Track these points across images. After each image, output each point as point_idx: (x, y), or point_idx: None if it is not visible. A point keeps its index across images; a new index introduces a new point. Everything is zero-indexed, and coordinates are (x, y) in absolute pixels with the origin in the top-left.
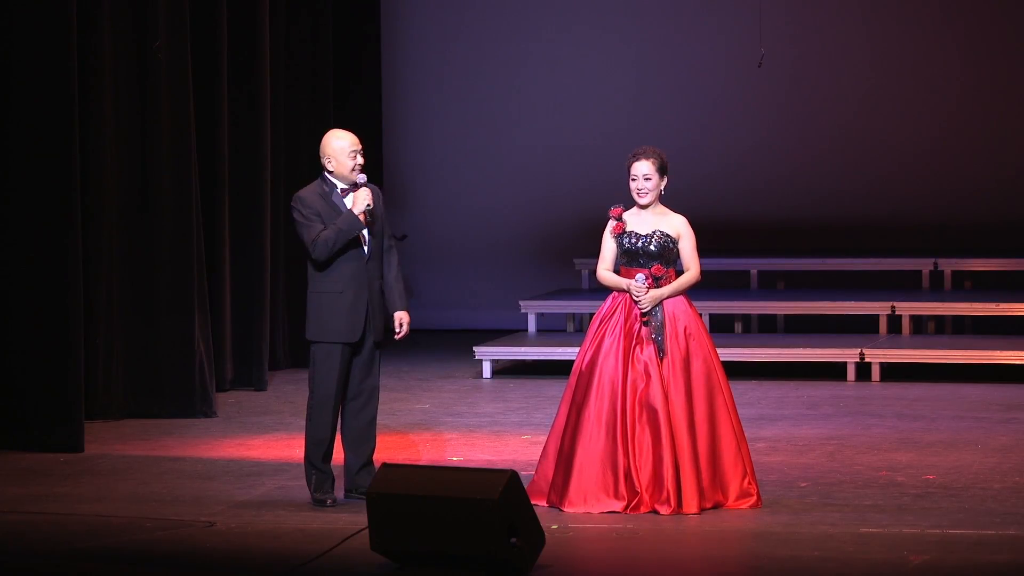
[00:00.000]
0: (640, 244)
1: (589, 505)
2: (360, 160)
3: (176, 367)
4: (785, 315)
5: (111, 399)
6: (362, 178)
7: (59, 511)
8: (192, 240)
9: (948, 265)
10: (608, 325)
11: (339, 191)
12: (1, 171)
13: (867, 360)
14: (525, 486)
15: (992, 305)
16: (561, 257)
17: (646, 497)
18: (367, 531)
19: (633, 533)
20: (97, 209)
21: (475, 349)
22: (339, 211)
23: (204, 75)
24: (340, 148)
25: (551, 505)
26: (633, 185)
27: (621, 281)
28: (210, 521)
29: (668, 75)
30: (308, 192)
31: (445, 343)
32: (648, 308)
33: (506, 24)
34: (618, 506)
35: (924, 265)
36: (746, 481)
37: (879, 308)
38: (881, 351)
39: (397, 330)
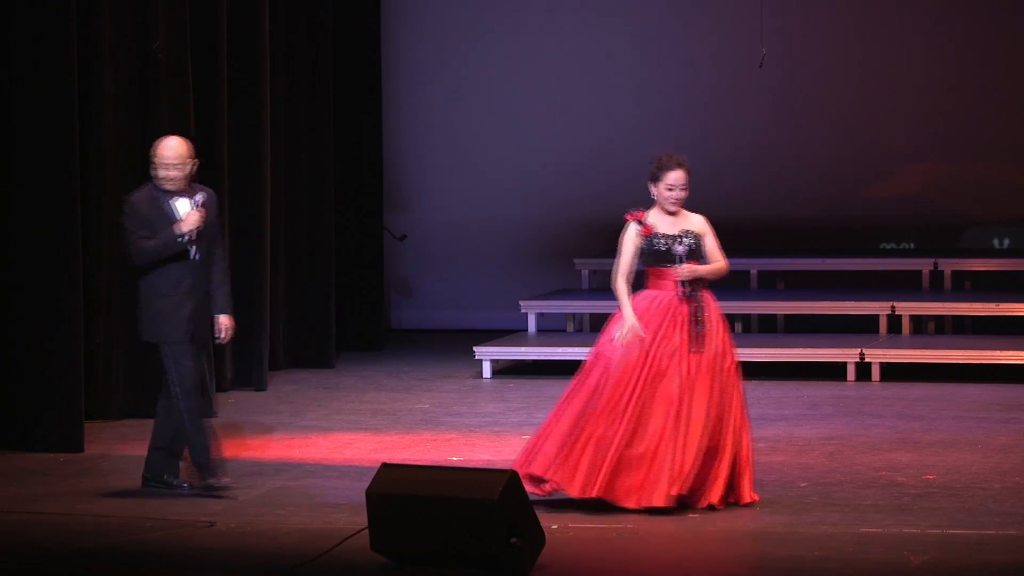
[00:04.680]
0: (671, 245)
1: (608, 492)
2: (177, 172)
3: None
4: (785, 315)
5: (111, 399)
6: (200, 198)
7: (59, 511)
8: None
9: (948, 265)
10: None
11: (169, 197)
12: (3, 172)
13: (867, 360)
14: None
15: (992, 305)
16: (561, 257)
17: (668, 488)
18: (367, 531)
19: (633, 533)
20: (97, 209)
21: (475, 349)
22: (168, 217)
23: (204, 75)
24: (167, 158)
25: (552, 487)
26: (669, 194)
27: (625, 307)
28: (210, 521)
29: (669, 75)
30: (140, 197)
31: (445, 343)
32: (686, 278)
33: (506, 24)
34: (658, 499)
35: (924, 265)
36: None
37: (879, 308)
38: (881, 351)
39: (218, 334)
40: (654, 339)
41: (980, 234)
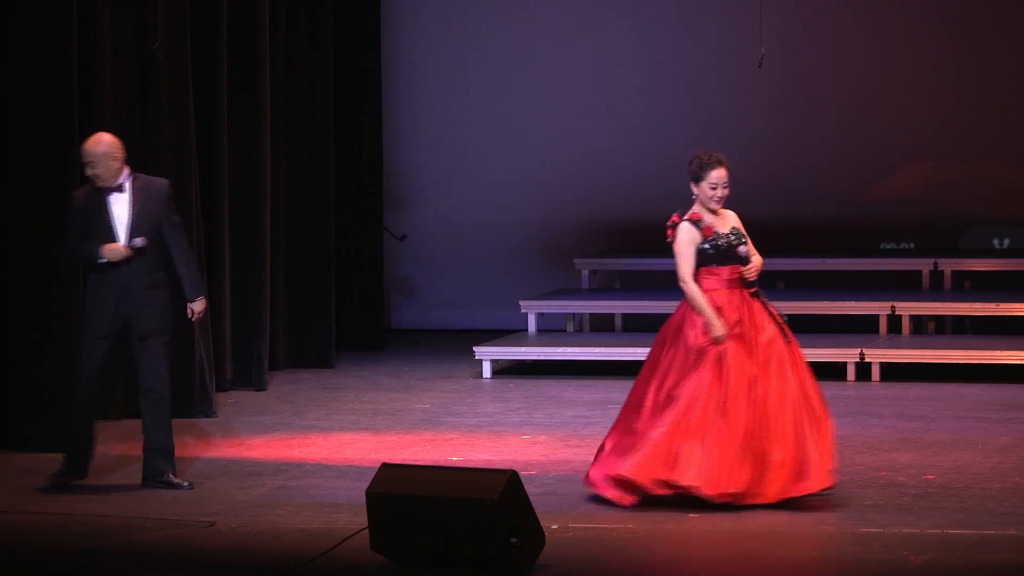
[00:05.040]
0: (735, 244)
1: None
2: (101, 170)
3: (176, 367)
4: (785, 315)
5: (111, 399)
6: (138, 241)
7: (59, 511)
8: (192, 240)
9: (948, 265)
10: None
11: (105, 195)
12: (3, 172)
13: (867, 360)
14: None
15: (992, 305)
16: (561, 257)
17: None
18: (367, 531)
19: (633, 533)
20: None
21: (475, 349)
22: (100, 214)
23: (204, 75)
24: (89, 155)
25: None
26: (713, 192)
27: (707, 311)
28: (210, 521)
29: (668, 75)
30: (79, 195)
31: (445, 343)
32: (755, 278)
33: (506, 24)
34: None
35: (924, 265)
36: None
37: (879, 308)
38: (881, 351)
39: (189, 316)
40: (750, 332)
41: (980, 234)
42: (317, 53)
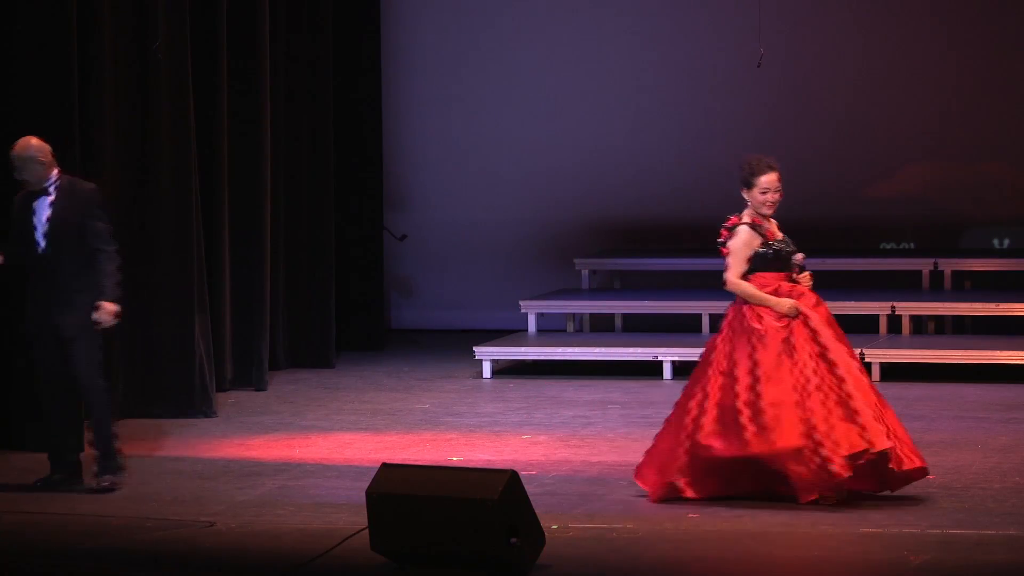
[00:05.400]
0: (793, 251)
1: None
2: (26, 174)
3: (176, 367)
4: None
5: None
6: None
7: (59, 511)
8: (192, 240)
9: (948, 265)
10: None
11: (35, 198)
12: (4, 172)
13: (867, 360)
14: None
15: (992, 305)
16: (561, 257)
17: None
18: (367, 531)
19: (633, 533)
20: None
21: (475, 349)
22: (26, 217)
23: (204, 75)
24: (14, 159)
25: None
26: (764, 197)
27: (767, 298)
28: (210, 521)
29: (668, 75)
30: (18, 197)
31: (445, 343)
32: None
33: (506, 24)
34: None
35: (924, 265)
36: None
37: (879, 308)
38: (881, 351)
39: (96, 316)
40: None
41: (980, 234)
42: (317, 52)
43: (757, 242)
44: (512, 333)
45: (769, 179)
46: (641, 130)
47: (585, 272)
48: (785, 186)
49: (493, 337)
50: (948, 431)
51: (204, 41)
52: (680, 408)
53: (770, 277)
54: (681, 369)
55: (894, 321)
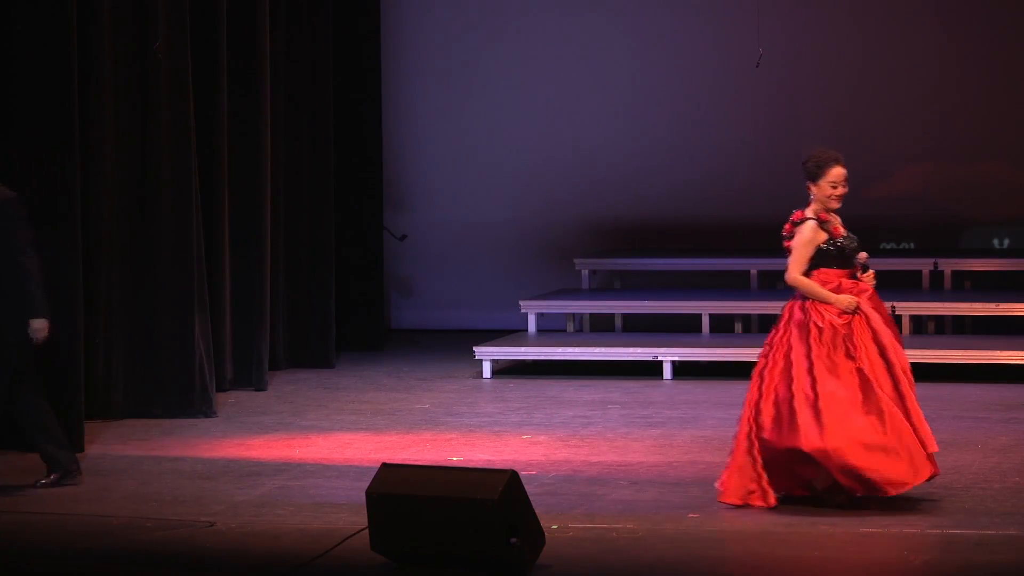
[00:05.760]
0: (852, 246)
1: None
2: None
3: (176, 367)
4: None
5: (111, 399)
6: None
7: (59, 511)
8: (192, 240)
9: (948, 265)
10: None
11: None
12: (4, 172)
13: None
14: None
15: (992, 305)
16: (561, 257)
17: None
18: (367, 531)
19: (633, 533)
20: (97, 210)
21: (475, 349)
22: None
23: (204, 75)
24: None
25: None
26: (832, 191)
27: (827, 294)
28: (210, 521)
29: (668, 75)
30: None
31: (445, 343)
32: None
33: (506, 24)
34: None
35: (924, 265)
36: None
37: None
38: None
39: (30, 336)
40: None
41: (980, 234)
42: (317, 52)
43: (821, 237)
44: (512, 333)
45: (837, 173)
46: (641, 130)
47: (585, 272)
48: (784, 186)
49: (493, 337)
50: (948, 431)
51: (204, 41)
52: (746, 407)
53: (833, 273)
54: (681, 369)
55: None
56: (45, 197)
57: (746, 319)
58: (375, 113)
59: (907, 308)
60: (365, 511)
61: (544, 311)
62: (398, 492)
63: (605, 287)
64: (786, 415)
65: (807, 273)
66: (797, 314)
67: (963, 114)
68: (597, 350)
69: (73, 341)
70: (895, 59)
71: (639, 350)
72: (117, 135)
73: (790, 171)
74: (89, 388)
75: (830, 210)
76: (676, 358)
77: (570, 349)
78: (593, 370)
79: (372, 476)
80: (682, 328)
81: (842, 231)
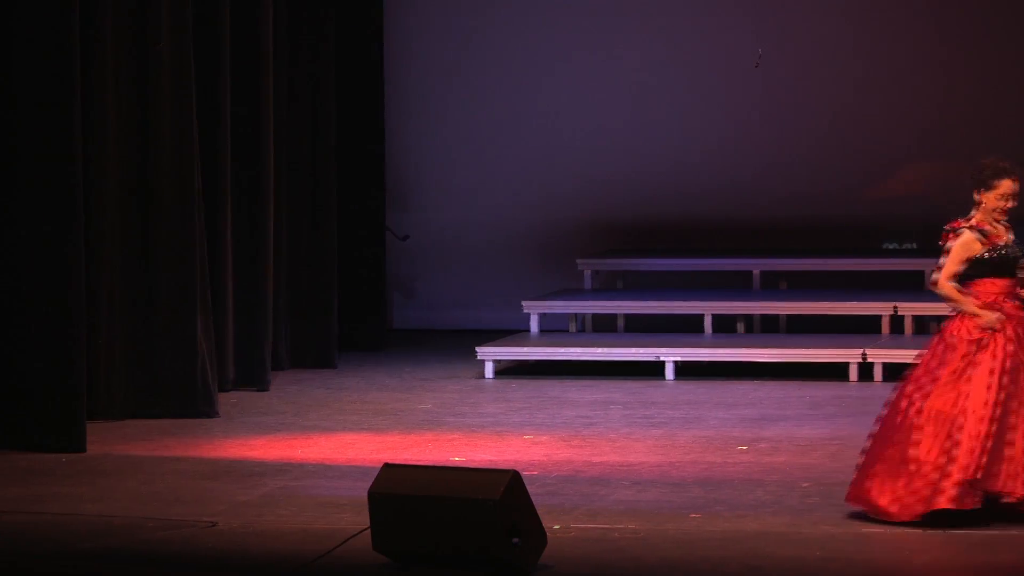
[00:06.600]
0: (1010, 253)
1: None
2: None
3: (178, 367)
4: (787, 315)
5: (113, 399)
6: None
7: (61, 511)
8: (194, 240)
9: None
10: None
11: None
12: (6, 173)
13: (869, 360)
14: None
15: None
16: (564, 257)
17: None
18: (369, 531)
19: (634, 533)
20: (99, 209)
21: (477, 349)
22: None
23: (206, 75)
24: None
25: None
26: (1000, 203)
27: (970, 305)
28: (212, 521)
29: (667, 75)
30: None
31: (447, 343)
32: None
33: (507, 25)
34: None
35: (927, 265)
36: None
37: (881, 308)
38: (884, 351)
39: None
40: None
41: None
42: (319, 52)
43: (977, 247)
44: (514, 333)
45: (1010, 186)
46: (643, 130)
47: (588, 272)
48: (786, 186)
49: (495, 337)
50: None
51: (206, 41)
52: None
53: (995, 284)
54: (683, 369)
55: (896, 321)
56: (48, 198)
57: (748, 319)
58: (377, 113)
59: (910, 308)
60: (367, 511)
61: (546, 311)
62: (400, 492)
63: (607, 287)
64: (907, 428)
65: (963, 284)
66: (946, 323)
67: (964, 114)
68: (599, 350)
69: (75, 341)
70: (895, 59)
71: (641, 350)
72: (119, 136)
73: (791, 171)
74: (91, 388)
75: (995, 221)
76: (678, 358)
77: (572, 349)
78: (595, 370)
79: (374, 476)
80: (684, 328)
81: (1003, 238)
